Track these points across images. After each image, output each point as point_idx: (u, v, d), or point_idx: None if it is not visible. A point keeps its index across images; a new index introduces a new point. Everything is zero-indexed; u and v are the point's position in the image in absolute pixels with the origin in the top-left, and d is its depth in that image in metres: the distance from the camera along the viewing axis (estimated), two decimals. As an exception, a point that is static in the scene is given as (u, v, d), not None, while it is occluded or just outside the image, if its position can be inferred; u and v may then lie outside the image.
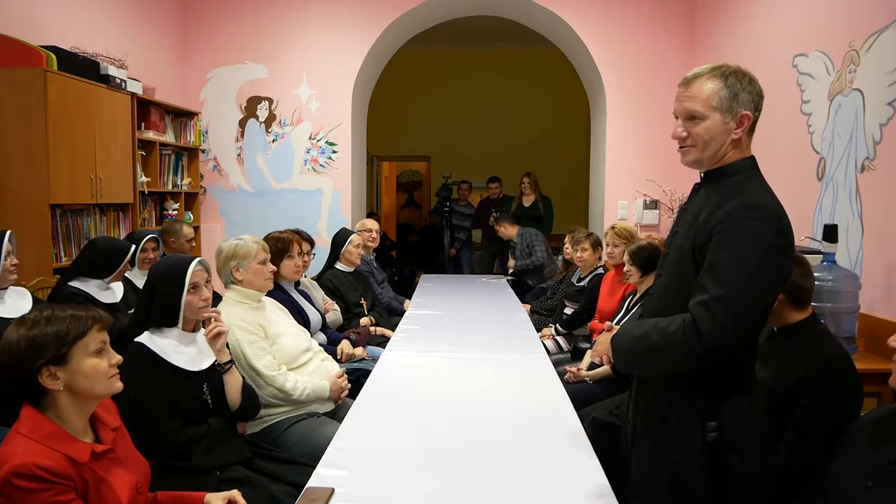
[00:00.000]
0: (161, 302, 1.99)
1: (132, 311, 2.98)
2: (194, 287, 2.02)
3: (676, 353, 1.43)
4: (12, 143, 3.25)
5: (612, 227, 3.60)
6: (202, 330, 2.11)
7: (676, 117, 1.57)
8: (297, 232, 3.39)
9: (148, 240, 3.44)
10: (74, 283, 2.86)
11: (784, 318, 1.94)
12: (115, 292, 3.04)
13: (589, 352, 3.18)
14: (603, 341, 1.65)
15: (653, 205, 5.20)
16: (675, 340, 1.42)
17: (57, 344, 1.34)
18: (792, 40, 3.63)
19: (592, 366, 3.03)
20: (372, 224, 4.56)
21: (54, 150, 3.31)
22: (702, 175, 1.62)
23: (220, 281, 2.57)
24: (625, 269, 3.06)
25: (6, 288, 2.49)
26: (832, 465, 1.59)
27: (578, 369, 3.07)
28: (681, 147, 1.57)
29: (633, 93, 5.22)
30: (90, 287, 2.89)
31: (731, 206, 1.44)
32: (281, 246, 3.05)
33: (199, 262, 2.07)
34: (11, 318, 2.19)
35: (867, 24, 2.94)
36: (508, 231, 5.66)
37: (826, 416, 1.77)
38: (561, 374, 2.81)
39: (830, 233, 2.82)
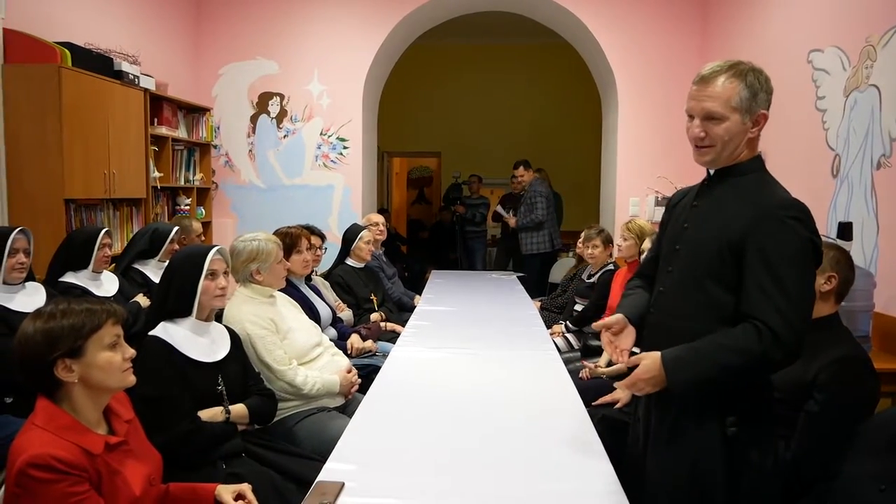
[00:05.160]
0: (178, 288, 2.02)
1: (130, 302, 3.03)
2: (212, 273, 2.06)
3: (756, 366, 1.42)
4: (27, 139, 3.27)
5: (627, 223, 3.60)
6: (214, 323, 2.13)
7: (691, 116, 1.55)
8: (307, 227, 3.40)
9: (176, 231, 3.47)
10: (68, 279, 2.87)
11: (817, 311, 1.90)
12: (106, 285, 3.03)
13: (607, 353, 3.18)
14: (653, 369, 1.49)
15: (664, 201, 5.16)
16: (754, 355, 1.40)
17: (72, 337, 1.36)
18: (807, 36, 3.59)
19: (611, 363, 3.05)
20: (378, 218, 4.58)
21: (69, 145, 3.34)
22: (710, 173, 1.61)
23: (233, 278, 2.58)
24: (644, 244, 3.11)
25: (19, 283, 2.51)
26: (844, 467, 1.58)
27: (596, 366, 3.08)
28: (698, 147, 1.55)
29: (645, 88, 5.19)
30: (82, 280, 2.90)
31: (772, 205, 1.44)
32: (289, 241, 3.06)
33: (218, 250, 2.12)
34: (26, 313, 2.22)
35: (884, 20, 2.90)
36: (525, 177, 6.00)
37: (841, 413, 1.76)
38: (573, 372, 2.81)
39: (845, 230, 2.79)
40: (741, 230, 1.45)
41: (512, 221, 6.15)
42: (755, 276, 1.42)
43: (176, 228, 3.48)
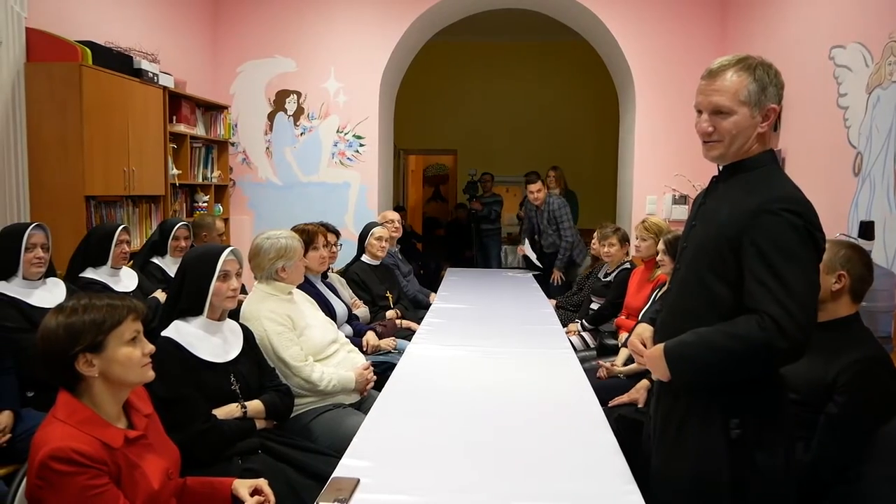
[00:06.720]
0: (190, 287, 2.03)
1: (149, 297, 3.06)
2: (224, 275, 2.06)
3: (757, 355, 1.39)
4: (49, 136, 3.32)
5: (643, 222, 3.57)
6: (227, 320, 2.14)
7: (699, 111, 1.54)
8: (323, 224, 3.42)
9: (179, 227, 3.47)
10: (88, 274, 2.91)
11: (833, 312, 1.89)
12: (124, 281, 3.06)
13: (623, 349, 3.17)
14: (655, 356, 1.55)
15: (682, 200, 5.12)
16: (754, 342, 1.38)
17: (93, 332, 1.38)
18: (828, 32, 3.54)
19: (627, 362, 3.03)
20: (393, 215, 4.59)
21: (89, 142, 3.38)
22: (720, 168, 1.59)
23: (253, 274, 2.60)
24: (658, 258, 3.05)
25: (40, 279, 2.53)
26: (864, 470, 1.56)
27: (613, 364, 3.07)
28: (706, 142, 1.54)
29: (663, 86, 5.14)
30: (102, 275, 2.94)
31: (769, 199, 1.42)
32: (306, 238, 3.07)
33: (231, 251, 2.11)
34: (46, 308, 2.24)
35: (908, 15, 2.85)
36: (541, 193, 5.20)
37: (862, 415, 1.73)
38: (588, 371, 2.80)
39: (867, 229, 2.75)
40: (738, 226, 1.43)
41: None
42: (753, 272, 1.41)
43: (179, 224, 3.49)
